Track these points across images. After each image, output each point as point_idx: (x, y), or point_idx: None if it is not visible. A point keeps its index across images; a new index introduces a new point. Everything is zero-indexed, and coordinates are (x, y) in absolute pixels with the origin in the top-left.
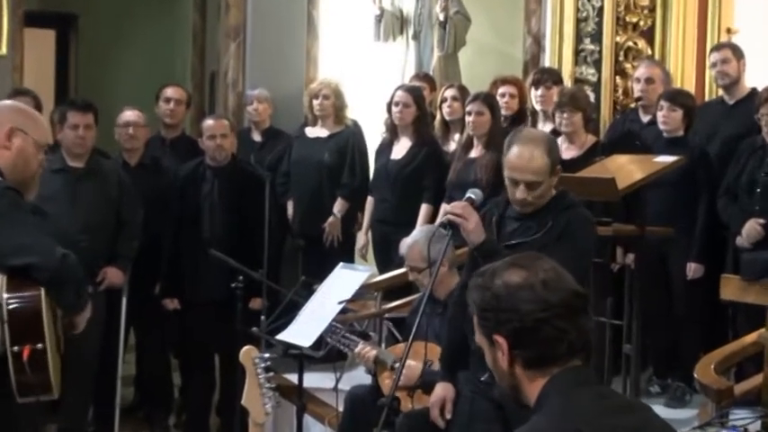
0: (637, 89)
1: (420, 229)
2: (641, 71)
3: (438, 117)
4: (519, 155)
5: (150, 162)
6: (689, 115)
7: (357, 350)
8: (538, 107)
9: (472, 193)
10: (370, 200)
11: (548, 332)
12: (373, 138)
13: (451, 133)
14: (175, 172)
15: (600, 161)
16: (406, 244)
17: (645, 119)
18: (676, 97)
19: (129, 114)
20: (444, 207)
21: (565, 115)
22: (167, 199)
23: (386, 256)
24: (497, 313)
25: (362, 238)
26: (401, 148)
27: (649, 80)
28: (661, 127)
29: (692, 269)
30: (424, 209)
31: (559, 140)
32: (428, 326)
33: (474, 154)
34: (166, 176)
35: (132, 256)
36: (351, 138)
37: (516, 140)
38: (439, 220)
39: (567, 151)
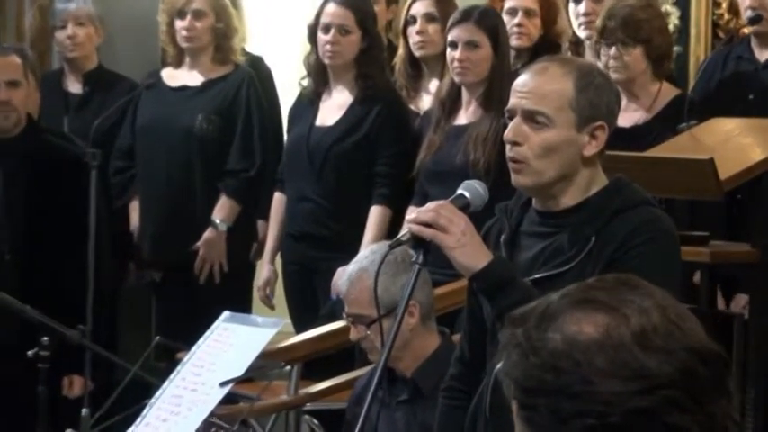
0: (748, 3)
1: (369, 252)
2: None
3: (401, 51)
4: (525, 71)
5: None
6: None
7: None
8: (582, 33)
9: (466, 190)
10: (279, 198)
11: None
12: (288, 89)
13: (424, 80)
14: None
15: (686, 130)
16: (344, 277)
17: (763, 56)
18: None
19: None
20: (411, 212)
21: (613, 50)
22: None
23: (307, 298)
24: (558, 399)
25: (266, 267)
26: (334, 107)
27: None
28: None
29: None
30: (377, 214)
31: None
32: (383, 426)
33: (463, 118)
34: None
35: None
36: (244, 88)
37: (533, 64)
38: (402, 233)
39: (627, 114)
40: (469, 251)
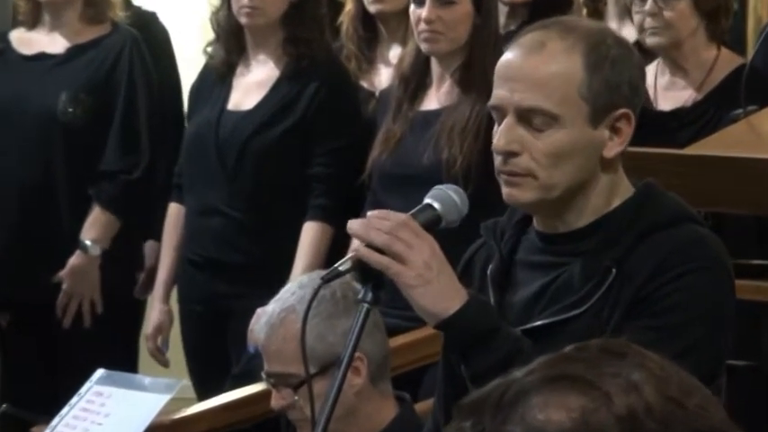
0: None
1: (296, 286)
2: None
3: (349, 7)
4: (514, 47)
5: None
6: None
7: None
8: None
9: (436, 200)
10: (176, 211)
11: None
12: (191, 58)
13: (382, 47)
14: None
15: (742, 117)
16: (263, 320)
17: None
18: None
19: None
20: (352, 226)
21: (650, 4)
22: None
23: (215, 352)
24: None
25: (158, 307)
26: (253, 85)
27: None
28: None
29: None
30: (312, 233)
31: (649, 68)
32: None
33: (434, 101)
34: None
35: None
36: (126, 57)
37: (531, 29)
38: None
39: (670, 93)
40: (435, 290)
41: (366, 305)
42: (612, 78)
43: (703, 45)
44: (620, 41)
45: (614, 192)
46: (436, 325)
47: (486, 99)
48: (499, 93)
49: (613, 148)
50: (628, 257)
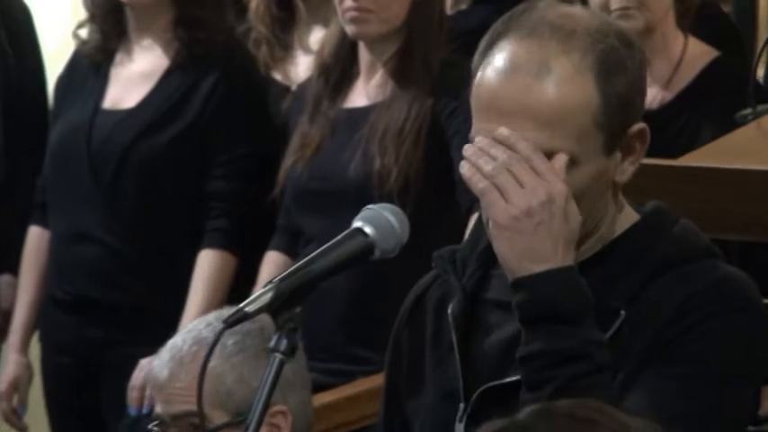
0: None
1: (214, 317)
2: None
3: None
4: (506, 67)
5: None
6: None
7: None
8: None
9: (368, 222)
10: (37, 236)
11: None
12: (57, 44)
13: (299, 30)
14: None
15: (750, 120)
16: (166, 356)
17: None
18: None
19: None
20: (272, 263)
21: None
22: None
23: (86, 415)
24: None
25: (13, 358)
26: (135, 77)
27: None
28: None
29: None
30: (210, 264)
31: None
32: None
33: (362, 97)
34: None
35: None
36: None
37: (510, 31)
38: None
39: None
40: (524, 243)
41: (279, 355)
42: (626, 91)
43: (672, 31)
44: (623, 35)
45: (617, 217)
46: (511, 282)
47: (427, 94)
48: (491, 127)
49: (627, 171)
50: (638, 298)
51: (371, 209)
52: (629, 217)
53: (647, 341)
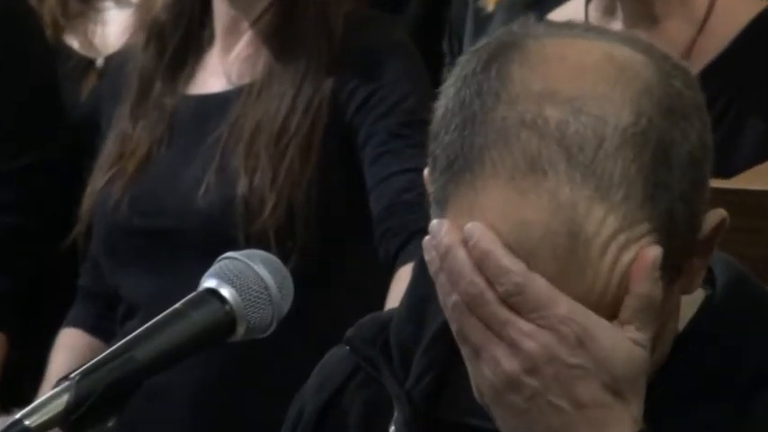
0: None
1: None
2: None
3: None
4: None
5: None
6: None
7: None
8: None
9: (221, 280)
10: None
11: None
12: None
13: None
14: None
15: None
16: None
17: None
18: None
19: None
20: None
21: None
22: None
23: None
24: None
25: None
26: None
27: None
28: None
29: None
30: None
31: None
32: None
33: (216, 79)
34: None
35: None
36: None
37: (489, 134)
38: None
39: None
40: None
41: None
42: (693, 182)
43: None
44: (676, 87)
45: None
46: None
47: (325, 71)
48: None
49: (696, 281)
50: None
51: (232, 258)
52: (692, 302)
53: None
